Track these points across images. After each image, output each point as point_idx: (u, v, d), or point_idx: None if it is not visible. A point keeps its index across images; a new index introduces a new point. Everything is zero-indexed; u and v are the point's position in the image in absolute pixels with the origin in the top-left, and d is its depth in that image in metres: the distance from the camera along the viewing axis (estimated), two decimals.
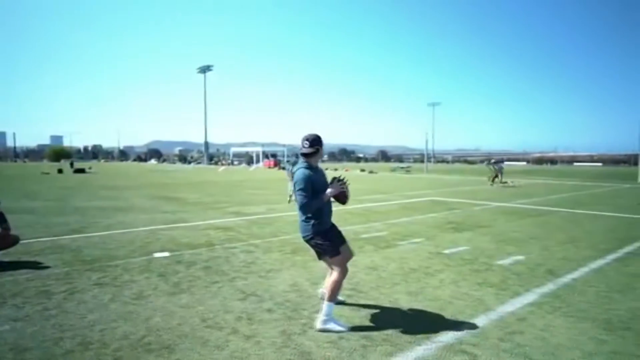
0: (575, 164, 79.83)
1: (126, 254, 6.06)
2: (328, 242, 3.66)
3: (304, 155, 3.67)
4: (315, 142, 3.65)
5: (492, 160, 24.43)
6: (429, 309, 3.95)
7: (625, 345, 3.23)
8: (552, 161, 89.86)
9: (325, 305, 3.55)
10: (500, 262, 5.76)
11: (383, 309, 3.97)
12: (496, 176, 22.29)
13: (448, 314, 3.84)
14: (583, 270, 5.37)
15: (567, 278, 4.99)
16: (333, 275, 3.68)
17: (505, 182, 22.54)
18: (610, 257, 6.06)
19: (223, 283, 4.73)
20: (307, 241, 3.73)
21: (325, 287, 3.83)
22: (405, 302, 4.13)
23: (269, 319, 3.69)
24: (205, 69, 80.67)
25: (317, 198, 3.58)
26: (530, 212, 11.07)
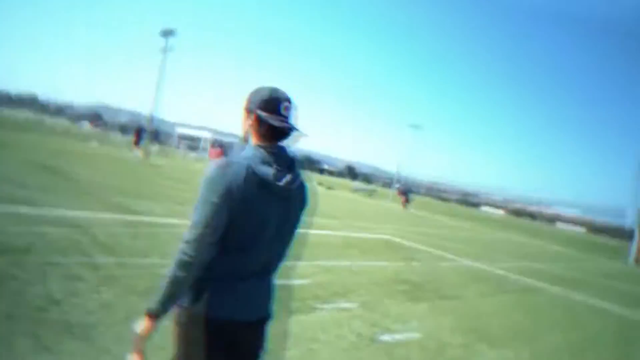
0: (558, 223, 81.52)
1: None
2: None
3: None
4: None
5: (398, 186, 29.48)
6: None
7: None
8: (532, 215, 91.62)
9: None
10: None
11: None
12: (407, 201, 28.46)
13: None
14: None
15: None
16: None
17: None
18: None
19: None
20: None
21: None
22: None
23: None
24: (167, 33, 76.76)
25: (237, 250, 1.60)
26: (511, 284, 9.30)
